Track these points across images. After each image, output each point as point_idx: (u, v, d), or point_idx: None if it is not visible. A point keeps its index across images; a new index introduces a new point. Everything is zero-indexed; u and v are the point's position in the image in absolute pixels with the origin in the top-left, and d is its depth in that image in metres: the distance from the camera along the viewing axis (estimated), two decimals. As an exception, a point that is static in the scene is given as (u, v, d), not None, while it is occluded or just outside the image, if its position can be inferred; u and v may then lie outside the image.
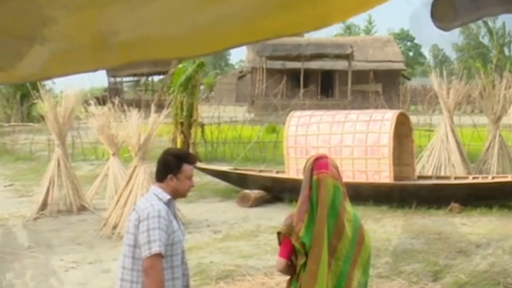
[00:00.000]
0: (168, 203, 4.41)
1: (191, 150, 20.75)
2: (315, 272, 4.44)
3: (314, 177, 4.60)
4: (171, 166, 4.49)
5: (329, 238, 4.50)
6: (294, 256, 4.58)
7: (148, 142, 12.45)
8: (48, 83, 41.08)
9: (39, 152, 23.90)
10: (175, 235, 4.34)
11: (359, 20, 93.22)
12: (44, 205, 13.70)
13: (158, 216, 4.25)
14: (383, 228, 11.82)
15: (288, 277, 4.75)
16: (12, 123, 30.23)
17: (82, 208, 13.97)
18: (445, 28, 3.79)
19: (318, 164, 4.68)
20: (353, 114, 14.81)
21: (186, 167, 4.51)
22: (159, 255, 4.18)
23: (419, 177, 14.84)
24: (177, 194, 4.53)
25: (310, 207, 4.55)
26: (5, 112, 36.79)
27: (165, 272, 4.26)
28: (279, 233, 4.68)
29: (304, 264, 4.50)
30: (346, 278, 4.54)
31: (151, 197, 4.45)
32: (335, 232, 4.54)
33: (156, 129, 12.80)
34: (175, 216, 4.50)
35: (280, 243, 4.69)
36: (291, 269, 4.65)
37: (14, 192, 16.80)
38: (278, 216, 13.15)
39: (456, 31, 74.48)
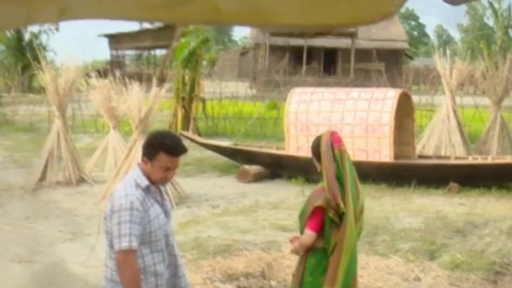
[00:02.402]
0: (146, 189, 4.23)
1: (191, 125, 20.79)
2: (348, 235, 4.87)
3: (336, 151, 4.95)
4: (148, 149, 4.27)
5: (354, 205, 4.93)
6: (323, 230, 4.91)
7: (149, 116, 12.44)
8: (50, 55, 41.15)
9: (39, 123, 23.91)
10: (152, 224, 4.19)
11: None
12: (43, 177, 13.72)
13: (131, 208, 4.08)
14: (382, 206, 11.85)
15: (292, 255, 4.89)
16: (13, 94, 30.25)
17: (81, 180, 13.99)
18: (453, 2, 3.74)
19: (336, 138, 5.05)
20: (355, 92, 14.77)
21: (163, 157, 4.20)
22: (129, 250, 4.06)
23: (419, 157, 14.84)
24: (150, 180, 4.26)
25: (337, 180, 4.91)
26: (5, 83, 36.81)
27: (145, 258, 4.17)
28: (316, 207, 4.86)
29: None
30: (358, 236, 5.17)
31: (129, 182, 4.26)
32: (356, 198, 4.99)
33: (157, 103, 12.77)
34: (157, 200, 4.31)
35: (309, 218, 4.88)
36: (313, 242, 4.92)
37: (14, 163, 16.82)
38: (276, 192, 13.22)
39: (462, 11, 74.19)
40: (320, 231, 4.91)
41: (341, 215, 4.87)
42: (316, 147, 5.04)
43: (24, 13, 2.22)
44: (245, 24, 2.62)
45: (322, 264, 4.94)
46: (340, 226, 4.86)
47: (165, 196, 4.47)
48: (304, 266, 4.99)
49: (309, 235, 4.89)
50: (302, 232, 5.05)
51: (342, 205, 4.84)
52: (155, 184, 4.31)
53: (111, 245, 4.19)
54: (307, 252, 4.99)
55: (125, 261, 4.09)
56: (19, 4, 2.17)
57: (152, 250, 4.22)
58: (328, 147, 4.93)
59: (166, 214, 4.39)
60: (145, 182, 4.23)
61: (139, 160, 4.42)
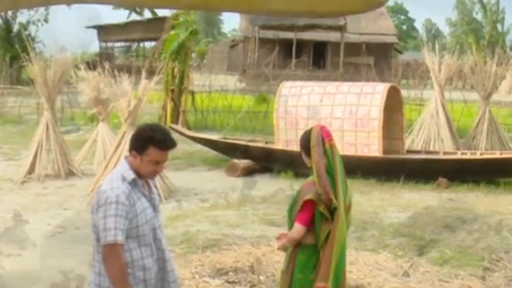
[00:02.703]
0: (132, 182, 4.19)
1: (181, 118, 20.73)
2: (339, 230, 4.85)
3: (327, 145, 4.93)
4: (137, 143, 4.22)
5: (344, 199, 4.91)
6: (313, 225, 4.88)
7: (138, 108, 12.38)
8: (39, 46, 40.91)
9: (28, 115, 23.79)
10: (139, 217, 4.16)
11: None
12: (31, 169, 13.65)
13: (116, 202, 4.05)
14: (370, 201, 11.86)
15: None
16: (1, 86, 30.06)
17: (70, 173, 13.93)
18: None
19: (326, 132, 5.02)
20: (344, 86, 14.76)
21: (153, 151, 4.17)
22: (114, 244, 4.04)
23: (408, 151, 14.86)
24: (139, 174, 4.23)
25: (328, 174, 4.88)
26: (-6, 75, 36.56)
27: (133, 252, 4.15)
28: (306, 201, 4.83)
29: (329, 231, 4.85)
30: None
31: (116, 175, 4.23)
32: (346, 193, 4.97)
33: (146, 95, 12.72)
34: (145, 194, 4.27)
35: (299, 212, 4.86)
36: (303, 237, 4.87)
37: (2, 155, 16.73)
38: (266, 186, 13.18)
39: (450, 5, 74.24)
40: (310, 226, 4.87)
41: (332, 210, 4.84)
42: (305, 142, 5.00)
43: None
44: (233, 9, 2.61)
45: (312, 260, 4.90)
46: (331, 220, 4.83)
47: (153, 190, 4.43)
48: (293, 263, 4.94)
49: (299, 229, 4.85)
50: (291, 227, 5.01)
51: (334, 199, 4.82)
52: (142, 178, 4.28)
53: (98, 239, 4.16)
54: (296, 248, 4.94)
55: (111, 255, 4.06)
56: None
57: (140, 244, 4.20)
58: (318, 141, 4.91)
59: (154, 208, 4.35)
60: (131, 175, 4.20)
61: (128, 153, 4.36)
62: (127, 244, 4.12)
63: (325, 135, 4.95)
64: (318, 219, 4.84)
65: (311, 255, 4.89)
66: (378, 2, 2.32)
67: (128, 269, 4.13)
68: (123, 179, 4.19)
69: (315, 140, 4.91)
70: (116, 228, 4.04)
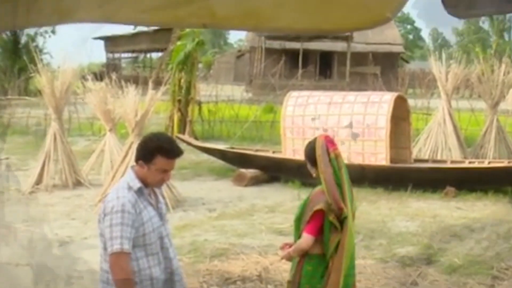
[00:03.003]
0: (139, 191, 4.20)
1: (187, 128, 20.75)
2: (349, 239, 4.86)
3: (332, 154, 4.91)
4: (144, 152, 4.24)
5: (351, 207, 4.91)
6: (321, 234, 4.85)
7: (145, 118, 12.42)
8: (47, 58, 41.05)
9: (35, 126, 23.82)
10: (145, 226, 4.16)
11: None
12: (39, 180, 13.68)
13: (122, 211, 4.06)
14: (378, 210, 11.83)
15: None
16: (9, 97, 30.15)
17: (78, 183, 13.96)
18: (459, 15, 3.69)
19: (330, 141, 5.01)
20: (351, 95, 14.75)
21: (160, 160, 4.19)
22: (121, 253, 4.03)
23: (416, 160, 14.84)
24: (146, 183, 4.26)
25: (336, 184, 4.87)
26: (2, 86, 36.69)
27: (140, 261, 4.15)
28: (316, 211, 4.79)
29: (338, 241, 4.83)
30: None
31: (122, 184, 4.25)
32: (352, 200, 4.98)
33: (153, 105, 12.76)
34: (151, 203, 4.29)
35: (309, 222, 4.82)
36: (310, 247, 4.85)
37: (10, 166, 16.74)
38: (273, 196, 13.19)
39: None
40: (318, 236, 4.85)
41: (342, 220, 4.82)
42: (310, 152, 4.99)
43: (23, 15, 2.21)
44: (241, 27, 2.66)
45: (319, 271, 4.86)
46: (340, 230, 4.81)
47: (160, 199, 4.44)
48: (300, 274, 4.89)
49: (308, 239, 4.82)
50: (298, 236, 4.98)
51: (345, 209, 4.81)
52: (149, 187, 4.29)
53: (105, 248, 4.16)
54: (303, 258, 4.90)
55: (117, 263, 4.06)
56: (19, 6, 2.15)
57: (147, 253, 4.20)
58: (324, 151, 4.90)
59: (161, 217, 4.35)
60: (137, 184, 4.21)
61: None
62: (134, 253, 4.12)
63: (329, 145, 4.94)
64: (327, 229, 4.80)
65: (318, 265, 4.86)
66: (385, 18, 2.33)
67: (135, 278, 4.12)
68: (129, 188, 4.20)
69: (320, 150, 4.90)
70: (122, 237, 4.04)
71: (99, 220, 4.22)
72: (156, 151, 4.18)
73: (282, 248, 5.20)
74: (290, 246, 5.08)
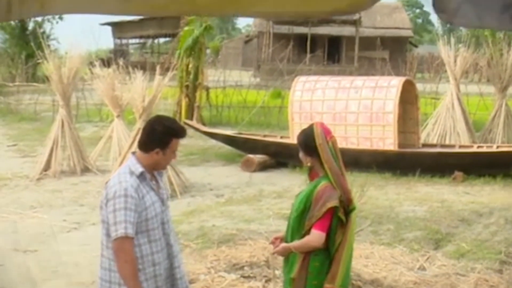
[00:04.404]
0: (141, 176, 4.21)
1: (195, 114, 20.75)
2: (351, 230, 4.78)
3: (329, 143, 4.76)
4: (160, 140, 4.24)
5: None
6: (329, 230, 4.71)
7: (152, 104, 12.42)
8: (54, 44, 41.05)
9: (43, 112, 23.90)
10: (148, 211, 4.16)
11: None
12: (47, 166, 13.71)
13: (125, 195, 4.06)
14: (386, 195, 11.81)
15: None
16: (17, 83, 30.20)
17: (86, 170, 13.99)
18: (448, 21, 3.70)
19: (326, 129, 4.85)
20: (359, 80, 14.72)
21: (174, 142, 4.27)
22: (125, 237, 4.03)
23: (424, 145, 14.81)
24: (157, 167, 4.32)
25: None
26: (10, 72, 36.70)
27: (143, 247, 4.15)
28: (330, 208, 4.64)
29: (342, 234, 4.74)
30: None
31: (124, 169, 4.25)
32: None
33: (161, 91, 12.75)
34: (153, 188, 4.29)
35: (321, 218, 4.66)
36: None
37: (18, 152, 16.82)
38: (281, 181, 13.19)
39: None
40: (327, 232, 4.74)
41: (349, 211, 4.74)
42: (308, 140, 4.80)
43: (4, 7, 2.20)
44: (221, 14, 2.66)
45: (325, 265, 4.74)
46: (345, 223, 4.73)
47: (161, 184, 4.43)
48: (306, 270, 4.73)
49: (321, 237, 4.66)
50: (298, 230, 4.80)
51: (354, 200, 4.75)
52: (150, 172, 4.30)
53: (108, 234, 4.16)
54: (308, 255, 4.72)
55: (122, 248, 4.06)
56: None
57: (149, 239, 4.19)
58: (323, 139, 4.74)
59: (163, 202, 4.35)
60: (139, 169, 4.22)
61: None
62: (137, 239, 4.12)
63: (326, 132, 4.80)
64: (334, 224, 4.68)
65: (325, 260, 4.71)
66: (364, 3, 2.32)
67: (137, 264, 4.12)
68: (131, 173, 4.20)
69: (320, 138, 4.74)
70: (126, 221, 4.04)
71: (101, 206, 4.22)
72: (171, 134, 4.26)
73: (272, 242, 5.05)
74: (281, 240, 4.96)
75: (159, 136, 4.24)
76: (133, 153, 4.36)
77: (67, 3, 2.39)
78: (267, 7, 2.48)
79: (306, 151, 4.83)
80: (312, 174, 4.90)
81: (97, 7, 2.54)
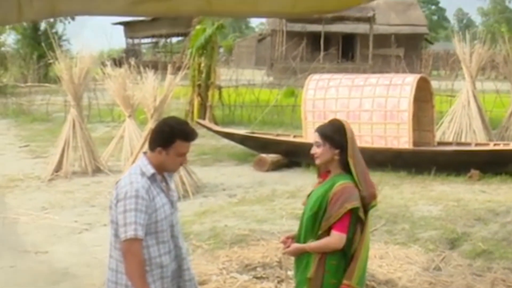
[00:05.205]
0: (152, 177, 4.19)
1: (207, 113, 20.75)
2: (368, 227, 4.75)
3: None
4: (163, 138, 4.21)
5: None
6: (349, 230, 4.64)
7: (163, 104, 12.42)
8: (66, 44, 41.20)
9: (55, 113, 24.00)
10: (158, 213, 4.14)
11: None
12: (59, 167, 13.75)
13: (136, 196, 4.04)
14: (401, 194, 11.75)
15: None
16: (29, 84, 30.35)
17: (97, 170, 14.02)
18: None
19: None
20: (373, 78, 14.65)
21: (179, 144, 4.20)
22: (135, 239, 4.01)
23: (439, 143, 14.73)
24: (163, 169, 4.27)
25: None
26: (21, 73, 36.90)
27: (151, 249, 4.13)
28: (351, 209, 4.57)
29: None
30: None
31: (135, 170, 4.22)
32: None
33: (172, 90, 12.75)
34: (163, 190, 4.27)
35: (341, 219, 4.57)
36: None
37: (30, 153, 16.88)
38: (294, 181, 13.16)
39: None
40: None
41: (369, 209, 4.68)
42: (339, 133, 4.70)
43: (15, 9, 2.20)
44: (235, 14, 2.66)
45: (342, 263, 4.70)
46: (364, 221, 4.68)
47: (171, 186, 4.41)
48: (324, 269, 4.65)
49: (341, 238, 4.58)
50: (313, 230, 4.71)
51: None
52: (161, 174, 4.28)
53: (116, 235, 4.13)
54: (325, 254, 4.64)
55: (131, 250, 4.03)
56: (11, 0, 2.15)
57: (158, 241, 4.17)
58: (352, 133, 4.70)
59: (172, 204, 4.33)
60: (150, 170, 4.19)
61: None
62: (145, 241, 4.09)
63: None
64: (353, 223, 4.62)
65: (342, 258, 4.66)
66: (354, 2, 2.33)
67: (145, 266, 4.10)
68: (142, 174, 4.17)
69: (350, 132, 4.68)
70: (136, 223, 4.01)
71: (111, 206, 4.19)
72: (176, 135, 4.18)
73: (283, 242, 4.96)
74: (292, 239, 4.89)
75: (163, 135, 4.22)
76: (144, 153, 4.34)
77: (78, 5, 2.38)
78: (281, 7, 2.48)
79: (334, 144, 4.70)
80: (322, 173, 4.86)
81: (108, 9, 2.53)
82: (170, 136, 4.19)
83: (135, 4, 2.37)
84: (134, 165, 4.38)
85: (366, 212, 4.67)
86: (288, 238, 4.97)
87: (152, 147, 4.26)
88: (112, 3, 2.34)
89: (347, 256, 4.65)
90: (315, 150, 4.83)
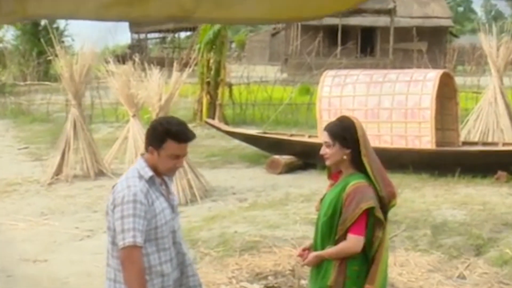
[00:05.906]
0: (150, 180, 4.16)
1: (217, 112, 20.76)
2: (387, 229, 4.76)
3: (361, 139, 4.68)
4: (154, 137, 4.18)
5: None
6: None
7: (169, 102, 12.43)
8: (68, 40, 41.34)
9: (56, 113, 24.08)
10: (158, 218, 4.12)
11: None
12: (59, 170, 13.78)
13: (134, 201, 4.02)
14: (423, 197, 11.70)
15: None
16: (28, 82, 30.47)
17: (100, 173, 14.04)
18: None
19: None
20: (393, 74, 14.61)
21: (171, 145, 4.13)
22: (133, 246, 3.98)
23: (464, 143, 14.67)
24: (157, 171, 4.22)
25: None
26: (21, 70, 37.03)
27: (151, 257, 4.11)
28: (367, 210, 4.56)
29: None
30: None
31: (132, 173, 4.21)
32: None
33: (179, 88, 12.76)
34: (163, 193, 4.25)
35: (356, 221, 4.56)
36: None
37: (29, 156, 16.96)
38: (309, 183, 13.14)
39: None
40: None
41: (389, 209, 4.70)
42: (349, 131, 4.67)
43: (10, 7, 2.21)
44: (209, 20, 2.70)
45: (364, 268, 4.69)
46: (382, 223, 4.65)
47: (172, 189, 4.39)
48: (344, 275, 4.64)
49: (359, 241, 4.58)
50: (330, 235, 4.71)
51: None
52: (160, 176, 4.26)
53: (114, 243, 4.12)
54: (345, 259, 4.64)
55: (129, 258, 4.01)
56: None
57: (158, 248, 4.15)
58: (364, 131, 4.67)
59: (173, 209, 4.31)
60: (149, 173, 4.16)
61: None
62: (144, 248, 4.07)
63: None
64: (371, 224, 4.60)
65: (363, 263, 4.66)
66: (352, 5, 2.33)
67: (146, 275, 4.08)
68: (140, 177, 4.15)
69: (361, 130, 4.65)
70: (135, 229, 3.98)
71: (107, 212, 4.19)
72: (166, 135, 4.13)
73: (301, 255, 4.96)
74: (309, 250, 4.88)
75: (155, 133, 4.20)
76: (142, 154, 4.32)
77: (46, 9, 2.40)
78: (256, 13, 2.50)
79: (344, 143, 4.67)
80: (333, 174, 4.85)
81: (78, 12, 2.55)
82: (161, 135, 4.15)
83: (106, 8, 2.38)
84: (131, 167, 4.35)
85: (385, 212, 4.65)
86: (304, 249, 4.97)
87: (146, 146, 4.25)
88: (83, 7, 2.36)
89: (369, 260, 4.64)
90: (324, 151, 4.78)
